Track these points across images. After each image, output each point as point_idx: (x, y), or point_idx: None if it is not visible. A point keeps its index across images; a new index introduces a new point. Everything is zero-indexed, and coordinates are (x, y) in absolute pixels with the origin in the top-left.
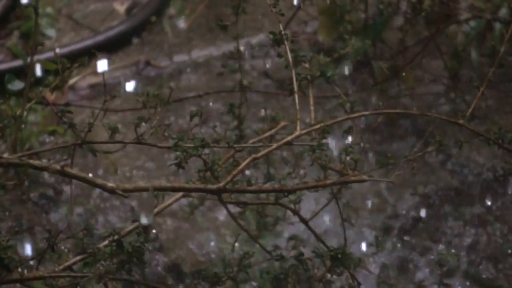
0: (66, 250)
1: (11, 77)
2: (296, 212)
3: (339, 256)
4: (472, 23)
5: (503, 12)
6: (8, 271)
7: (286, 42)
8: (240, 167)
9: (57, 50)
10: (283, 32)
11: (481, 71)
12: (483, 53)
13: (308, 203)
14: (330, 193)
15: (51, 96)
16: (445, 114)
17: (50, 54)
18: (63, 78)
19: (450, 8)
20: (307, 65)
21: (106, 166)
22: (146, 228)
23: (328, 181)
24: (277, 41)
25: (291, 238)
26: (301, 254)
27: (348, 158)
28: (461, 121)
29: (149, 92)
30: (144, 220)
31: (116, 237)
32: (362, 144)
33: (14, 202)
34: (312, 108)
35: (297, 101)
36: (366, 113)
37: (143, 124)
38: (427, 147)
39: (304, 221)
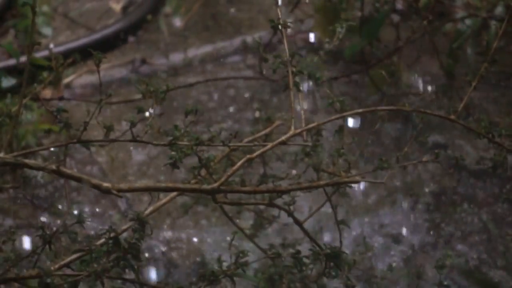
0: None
1: (1, 73)
2: (290, 214)
3: (335, 254)
4: (468, 22)
5: (499, 10)
6: None
7: (283, 30)
8: (235, 167)
9: (52, 47)
10: (281, 20)
11: (477, 69)
12: (479, 52)
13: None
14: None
15: (47, 94)
16: (442, 111)
17: (46, 52)
18: (57, 74)
19: (446, 6)
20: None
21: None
22: (143, 225)
23: (321, 182)
24: (275, 28)
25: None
26: (298, 252)
27: (340, 160)
28: (452, 117)
29: (148, 84)
30: None
31: (112, 234)
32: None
33: (11, 201)
34: (302, 112)
35: (292, 98)
36: (360, 110)
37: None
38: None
39: (298, 222)
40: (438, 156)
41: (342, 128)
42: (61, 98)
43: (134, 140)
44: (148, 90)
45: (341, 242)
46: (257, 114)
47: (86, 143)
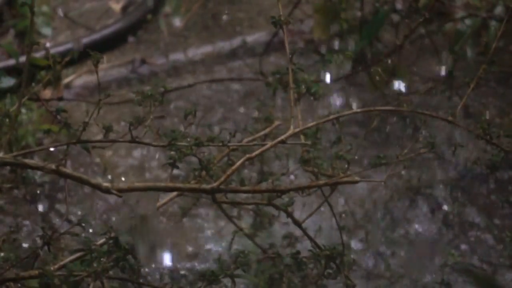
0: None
1: (1, 73)
2: (289, 214)
3: (334, 255)
4: (468, 21)
5: (498, 10)
6: None
7: (284, 27)
8: (234, 167)
9: (48, 46)
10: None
11: (476, 69)
12: (479, 52)
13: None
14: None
15: (47, 94)
16: (441, 112)
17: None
18: (55, 74)
19: (446, 6)
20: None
21: (101, 164)
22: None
23: (320, 182)
24: (275, 24)
25: (286, 236)
26: (298, 252)
27: (339, 161)
28: (450, 118)
29: (145, 92)
30: None
31: (112, 234)
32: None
33: (10, 201)
34: (299, 120)
35: (292, 98)
36: (358, 110)
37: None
38: (418, 146)
39: (297, 223)
40: (433, 147)
41: (340, 138)
42: (60, 99)
43: (133, 141)
44: (146, 95)
45: (343, 244)
46: (256, 113)
47: (85, 144)
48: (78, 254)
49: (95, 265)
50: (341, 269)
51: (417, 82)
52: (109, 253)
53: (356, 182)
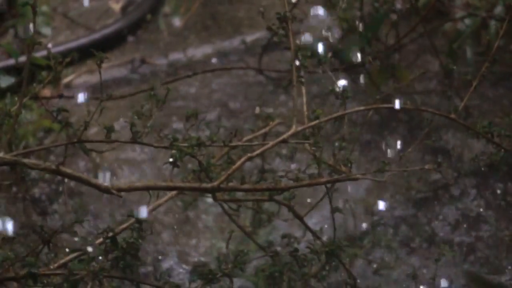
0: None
1: (1, 72)
2: (291, 208)
3: (334, 251)
4: (468, 21)
5: (498, 9)
6: None
7: (289, 23)
8: (235, 166)
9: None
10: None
11: (476, 69)
12: (478, 51)
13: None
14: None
15: (46, 93)
16: (440, 111)
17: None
18: (56, 73)
19: (445, 6)
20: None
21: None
22: (141, 224)
23: (322, 180)
24: (281, 20)
25: (285, 236)
26: (296, 250)
27: (341, 153)
28: (452, 115)
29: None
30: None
31: (110, 233)
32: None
33: (10, 200)
34: (304, 98)
35: (294, 96)
36: (361, 108)
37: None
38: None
39: (299, 217)
40: (440, 165)
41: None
42: (60, 96)
43: (134, 142)
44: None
45: (334, 235)
46: (257, 110)
47: (86, 144)
48: (76, 254)
49: (94, 264)
50: (343, 264)
51: (416, 81)
52: (107, 252)
53: (357, 179)
